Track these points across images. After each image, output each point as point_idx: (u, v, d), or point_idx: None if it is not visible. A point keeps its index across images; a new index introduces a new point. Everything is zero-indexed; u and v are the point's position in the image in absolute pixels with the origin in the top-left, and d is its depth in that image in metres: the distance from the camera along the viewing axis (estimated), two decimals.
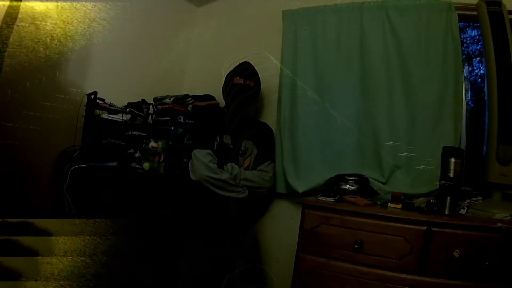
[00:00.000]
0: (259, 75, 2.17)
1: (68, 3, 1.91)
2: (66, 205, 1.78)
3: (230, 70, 2.18)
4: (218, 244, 1.90)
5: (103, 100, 2.05)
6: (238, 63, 2.17)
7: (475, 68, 2.02)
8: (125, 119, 2.15)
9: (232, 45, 2.60)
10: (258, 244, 2.23)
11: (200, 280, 1.86)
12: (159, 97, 2.39)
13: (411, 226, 1.43)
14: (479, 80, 1.98)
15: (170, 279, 1.88)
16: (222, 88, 2.19)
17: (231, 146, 2.06)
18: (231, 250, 1.94)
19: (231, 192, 1.93)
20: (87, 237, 1.56)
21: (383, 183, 1.86)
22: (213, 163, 1.92)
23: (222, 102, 2.27)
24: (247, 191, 1.96)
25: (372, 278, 1.46)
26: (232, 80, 2.11)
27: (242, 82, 2.09)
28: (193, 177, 1.92)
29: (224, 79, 2.19)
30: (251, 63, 2.17)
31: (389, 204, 1.68)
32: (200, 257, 1.90)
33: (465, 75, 1.96)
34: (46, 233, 1.51)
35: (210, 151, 1.96)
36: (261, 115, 2.39)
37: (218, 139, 2.04)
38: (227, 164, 1.98)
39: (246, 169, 2.05)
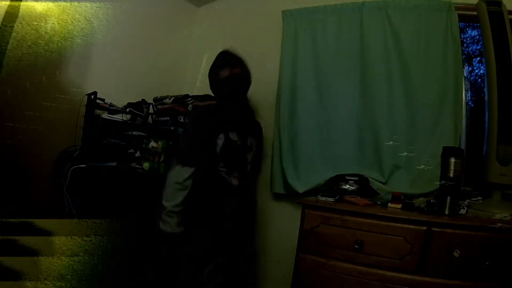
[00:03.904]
0: (243, 59, 1.94)
1: (68, 3, 1.91)
2: (66, 205, 1.78)
3: (211, 65, 1.94)
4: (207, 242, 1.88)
5: (103, 100, 2.06)
6: (216, 56, 1.94)
7: (475, 68, 2.02)
8: (125, 119, 2.15)
9: (232, 45, 2.60)
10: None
11: (197, 278, 1.86)
12: (159, 97, 2.39)
13: (411, 226, 1.43)
14: (479, 80, 1.98)
15: (170, 279, 1.88)
16: (210, 88, 1.95)
17: (239, 143, 1.87)
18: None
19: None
20: (87, 237, 1.56)
21: (383, 183, 1.86)
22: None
23: None
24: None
25: (372, 278, 1.46)
26: (218, 76, 1.89)
27: (228, 73, 1.87)
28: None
29: (208, 77, 1.95)
30: (229, 50, 1.95)
31: (389, 204, 1.68)
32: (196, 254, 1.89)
33: (465, 75, 1.96)
34: (46, 233, 1.51)
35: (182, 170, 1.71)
36: (260, 115, 2.39)
37: (223, 137, 1.82)
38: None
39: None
